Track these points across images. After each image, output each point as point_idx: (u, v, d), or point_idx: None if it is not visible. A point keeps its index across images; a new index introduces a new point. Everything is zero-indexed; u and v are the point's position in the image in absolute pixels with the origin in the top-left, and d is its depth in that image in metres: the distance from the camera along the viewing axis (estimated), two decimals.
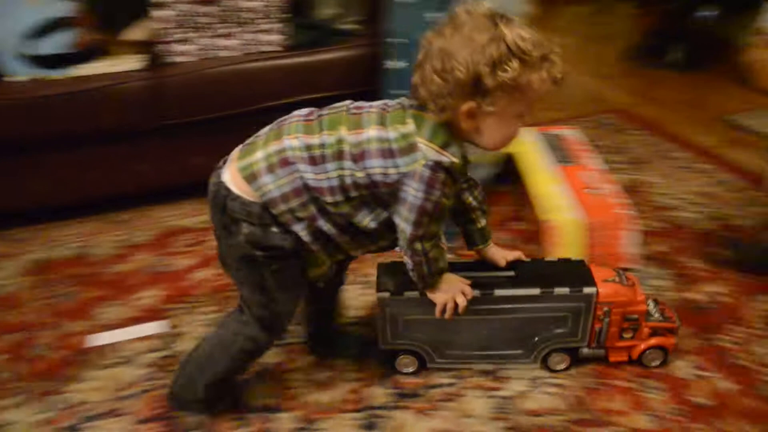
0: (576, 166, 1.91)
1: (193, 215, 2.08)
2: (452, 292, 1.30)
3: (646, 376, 1.43)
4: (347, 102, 1.18)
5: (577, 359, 1.45)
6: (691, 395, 1.39)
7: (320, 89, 2.00)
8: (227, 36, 1.97)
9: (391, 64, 1.78)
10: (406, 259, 1.22)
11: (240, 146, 1.19)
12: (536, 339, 1.42)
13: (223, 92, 1.98)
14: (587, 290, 1.36)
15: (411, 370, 1.46)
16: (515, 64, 1.03)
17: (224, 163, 1.18)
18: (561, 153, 1.98)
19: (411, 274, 1.25)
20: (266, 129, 1.18)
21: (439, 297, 1.30)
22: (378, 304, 1.37)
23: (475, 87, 1.05)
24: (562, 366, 1.45)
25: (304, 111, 1.17)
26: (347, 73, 2.05)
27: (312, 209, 1.13)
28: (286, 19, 2.01)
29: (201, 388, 1.31)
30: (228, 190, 1.14)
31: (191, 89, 1.95)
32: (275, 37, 2.01)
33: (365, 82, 1.97)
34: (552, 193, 1.79)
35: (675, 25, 3.29)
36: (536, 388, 1.42)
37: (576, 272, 1.41)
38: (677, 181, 2.22)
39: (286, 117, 1.18)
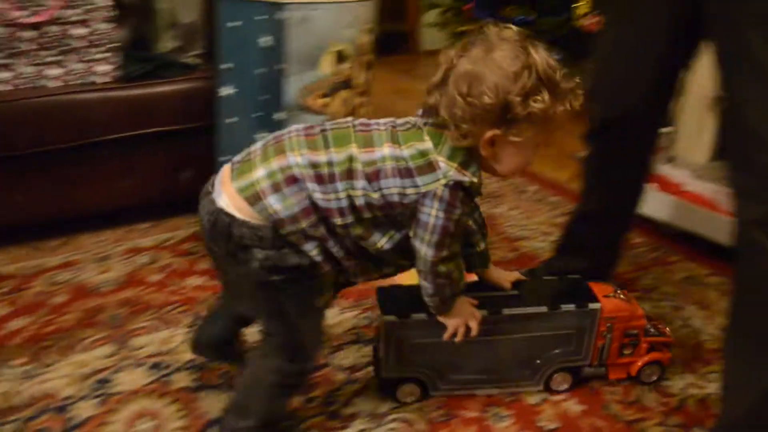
0: None
1: (13, 261, 1.87)
2: (465, 315, 1.26)
3: (495, 405, 1.39)
4: (350, 118, 1.11)
5: (579, 379, 1.42)
6: (538, 420, 1.35)
7: (156, 123, 1.89)
8: (53, 65, 1.82)
9: (223, 91, 1.68)
10: (426, 284, 1.16)
11: (228, 165, 1.08)
12: (539, 360, 1.38)
13: (47, 125, 1.80)
14: (592, 306, 1.35)
15: (413, 399, 1.37)
16: (546, 95, 1.00)
17: (212, 186, 1.07)
18: None
19: (429, 299, 1.19)
20: (259, 145, 1.08)
21: (451, 321, 1.25)
22: (383, 329, 1.29)
23: (502, 115, 1.01)
24: (565, 386, 1.42)
25: (301, 125, 1.09)
26: (184, 107, 1.94)
27: (322, 230, 1.05)
28: (118, 49, 1.89)
29: None
30: (230, 216, 1.03)
31: (9, 120, 1.77)
32: (106, 68, 1.88)
33: (203, 115, 1.88)
34: None
35: None
36: (380, 425, 1.33)
37: (577, 289, 1.41)
38: (528, 213, 2.25)
39: (282, 131, 1.09)
